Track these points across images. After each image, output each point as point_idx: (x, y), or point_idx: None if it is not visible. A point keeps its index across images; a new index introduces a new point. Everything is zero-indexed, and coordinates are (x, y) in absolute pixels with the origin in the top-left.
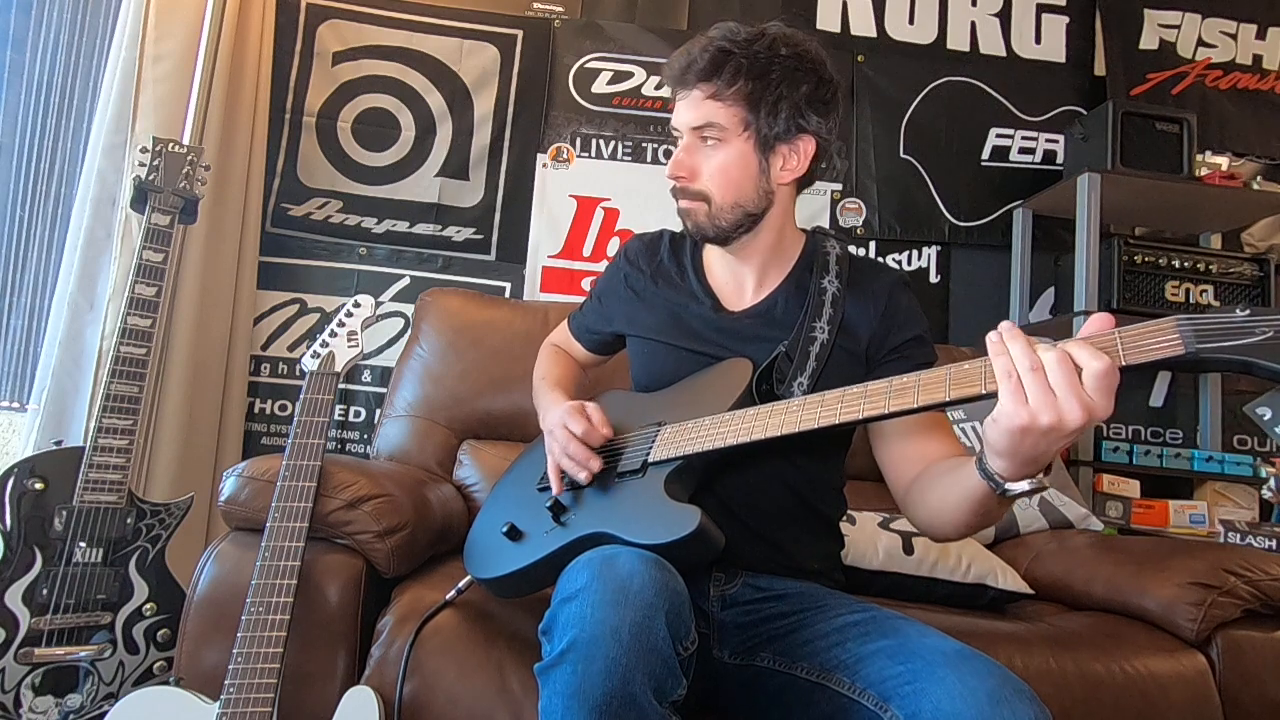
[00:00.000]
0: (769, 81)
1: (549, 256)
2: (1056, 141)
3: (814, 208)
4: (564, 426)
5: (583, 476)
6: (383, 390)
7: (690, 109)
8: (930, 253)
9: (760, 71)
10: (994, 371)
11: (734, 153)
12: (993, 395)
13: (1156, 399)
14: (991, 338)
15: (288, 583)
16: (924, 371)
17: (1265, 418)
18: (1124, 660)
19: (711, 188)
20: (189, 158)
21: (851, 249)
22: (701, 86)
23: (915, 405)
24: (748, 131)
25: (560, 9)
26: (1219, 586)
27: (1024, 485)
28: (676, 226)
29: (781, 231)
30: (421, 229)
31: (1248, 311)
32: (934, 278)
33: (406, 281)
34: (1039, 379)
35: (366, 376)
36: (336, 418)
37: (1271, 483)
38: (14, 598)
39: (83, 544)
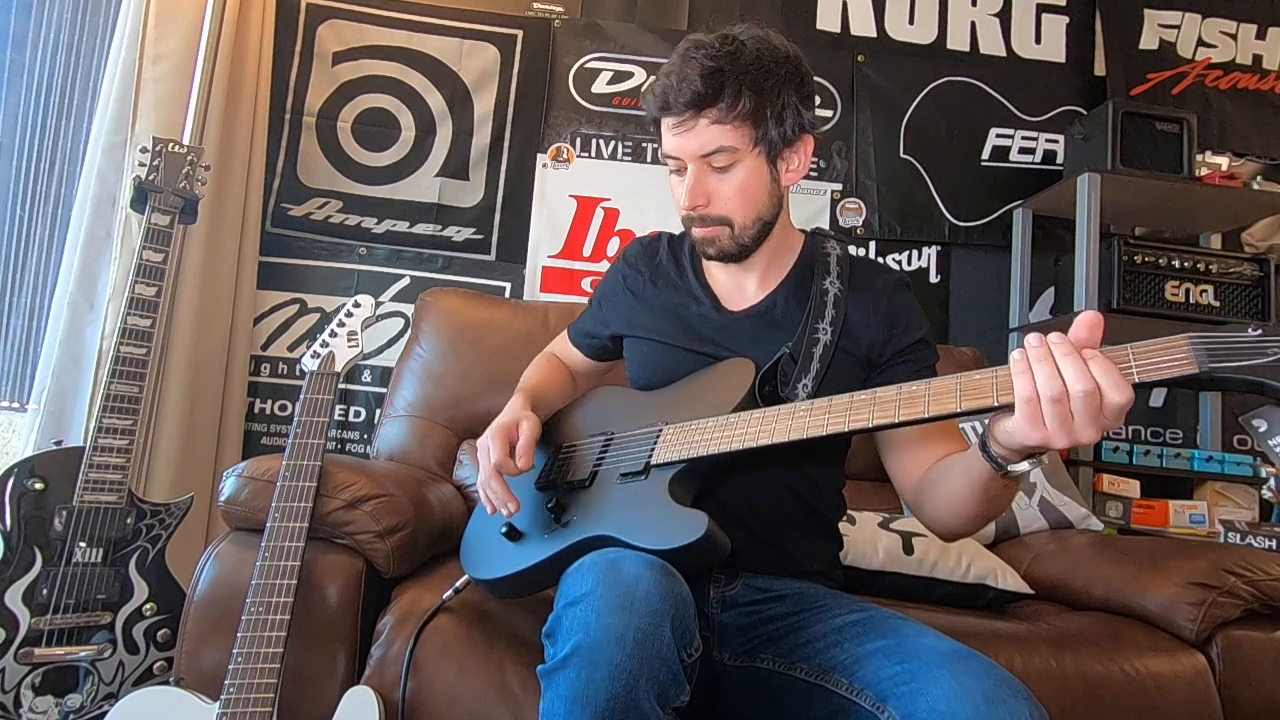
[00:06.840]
0: (767, 91)
1: (549, 256)
2: (1056, 141)
3: (814, 208)
4: (486, 450)
5: (505, 511)
6: (383, 390)
7: (695, 137)
8: (930, 253)
9: (757, 84)
10: (1013, 388)
11: (748, 170)
12: (1005, 408)
13: (1156, 399)
14: (1015, 356)
15: (288, 583)
16: (934, 380)
17: (1260, 430)
18: (1124, 660)
19: (732, 209)
20: (189, 158)
21: (851, 249)
22: (707, 113)
23: (925, 415)
24: (758, 147)
25: (560, 9)
26: (1219, 586)
27: (1024, 465)
28: (675, 229)
29: (784, 231)
30: (421, 229)
31: (1259, 331)
32: (934, 278)
33: (406, 281)
34: (1060, 410)
35: (366, 376)
36: (336, 418)
37: (1271, 483)
38: (14, 598)
39: (83, 544)
